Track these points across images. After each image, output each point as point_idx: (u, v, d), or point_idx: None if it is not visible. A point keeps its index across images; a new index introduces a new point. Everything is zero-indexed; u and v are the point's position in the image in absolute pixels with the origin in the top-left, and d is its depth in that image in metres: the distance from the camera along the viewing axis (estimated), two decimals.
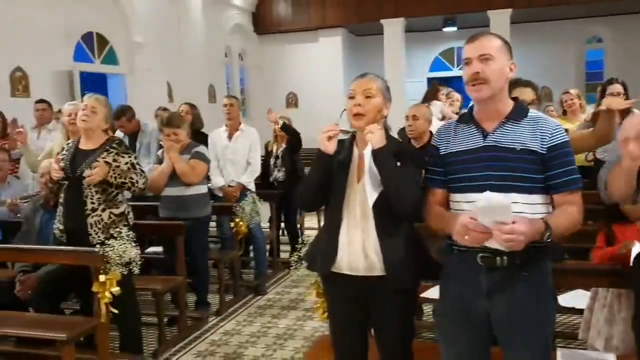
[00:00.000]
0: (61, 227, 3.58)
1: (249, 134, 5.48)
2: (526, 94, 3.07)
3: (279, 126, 5.90)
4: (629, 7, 12.30)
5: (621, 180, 2.05)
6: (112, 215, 3.53)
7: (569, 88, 5.75)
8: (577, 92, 5.57)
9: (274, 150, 6.06)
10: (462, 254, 2.06)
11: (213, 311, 4.78)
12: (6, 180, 4.88)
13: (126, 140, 5.25)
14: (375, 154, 2.20)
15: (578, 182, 2.03)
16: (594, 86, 11.00)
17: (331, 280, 2.37)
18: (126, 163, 3.58)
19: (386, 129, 2.32)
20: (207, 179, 4.96)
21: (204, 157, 4.61)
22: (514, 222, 1.82)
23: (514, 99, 2.17)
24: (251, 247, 5.77)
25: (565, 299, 3.16)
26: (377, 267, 2.25)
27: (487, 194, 1.89)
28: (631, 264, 2.40)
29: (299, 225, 6.84)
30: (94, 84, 8.92)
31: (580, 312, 3.04)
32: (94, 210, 3.48)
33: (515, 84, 3.09)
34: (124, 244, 3.36)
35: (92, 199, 3.48)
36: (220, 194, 5.35)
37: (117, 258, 3.27)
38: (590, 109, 4.86)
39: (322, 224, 7.97)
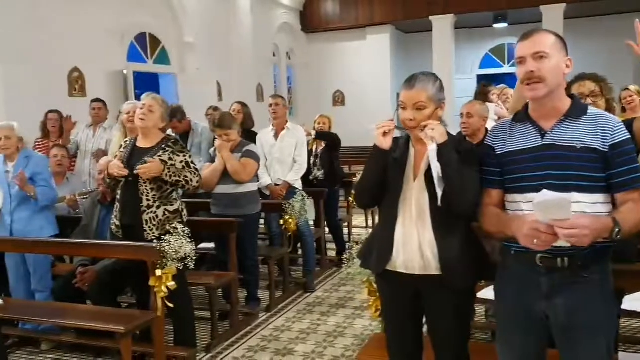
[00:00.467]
0: (118, 222, 3.69)
1: (295, 133, 5.52)
2: (585, 87, 2.99)
3: (313, 137, 5.92)
4: None
5: None
6: (166, 212, 3.62)
7: (628, 84, 5.56)
8: (636, 88, 5.38)
9: (313, 150, 6.08)
10: (520, 255, 2.02)
11: (263, 307, 4.84)
12: (65, 177, 5.06)
13: None
14: (440, 149, 2.16)
15: None
16: None
17: (386, 278, 2.36)
18: (181, 162, 3.66)
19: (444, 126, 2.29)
20: (257, 177, 5.02)
21: (255, 156, 4.67)
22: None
23: (571, 96, 2.11)
24: (299, 245, 5.81)
25: (628, 302, 3.05)
26: (433, 266, 2.23)
27: (545, 190, 1.84)
28: None
29: (346, 224, 6.86)
30: (147, 83, 9.13)
31: None
32: (149, 207, 3.58)
33: (577, 78, 3.02)
34: (180, 239, 3.44)
35: (147, 196, 3.58)
36: (268, 193, 5.40)
37: (173, 253, 3.36)
38: None
39: (369, 222, 8.02)
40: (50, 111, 6.03)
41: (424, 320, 2.40)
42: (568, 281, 1.95)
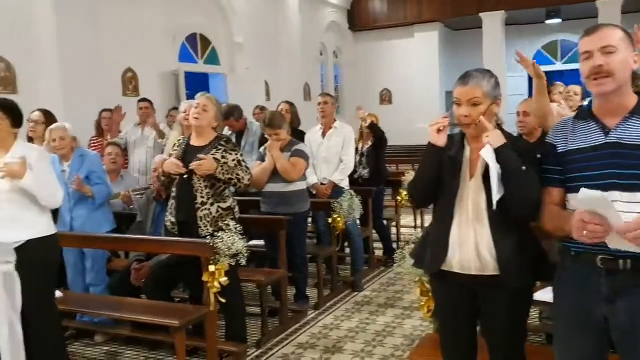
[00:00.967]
0: (172, 219, 3.77)
1: (342, 131, 5.50)
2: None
3: (367, 124, 5.89)
4: None
5: None
6: (219, 209, 3.68)
7: None
8: None
9: (359, 148, 6.05)
10: (580, 256, 1.97)
11: (311, 305, 4.86)
12: (119, 174, 5.20)
13: (233, 138, 5.45)
14: (498, 151, 2.12)
15: None
16: None
17: (440, 278, 2.33)
18: (233, 160, 3.72)
19: (499, 125, 2.25)
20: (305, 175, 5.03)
21: (304, 155, 4.69)
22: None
23: (638, 92, 2.04)
24: (346, 244, 5.81)
25: None
26: (490, 266, 2.19)
27: (583, 189, 1.80)
28: None
29: (394, 224, 6.81)
30: (197, 83, 9.29)
31: None
32: (203, 204, 3.64)
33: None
34: (232, 236, 3.49)
35: (201, 193, 3.65)
36: (314, 192, 5.41)
37: (226, 249, 3.42)
38: None
39: (418, 222, 7.92)
40: (104, 110, 6.22)
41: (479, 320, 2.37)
42: (630, 284, 1.89)
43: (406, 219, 7.81)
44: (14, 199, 3.11)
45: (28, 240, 3.11)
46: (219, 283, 3.42)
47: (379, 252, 6.27)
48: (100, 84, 7.05)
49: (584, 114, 2.06)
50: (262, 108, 6.96)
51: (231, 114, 5.68)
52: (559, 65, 14.03)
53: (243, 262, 3.57)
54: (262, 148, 4.85)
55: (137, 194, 4.98)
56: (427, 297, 2.87)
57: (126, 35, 7.62)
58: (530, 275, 2.25)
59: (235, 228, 3.60)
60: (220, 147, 3.72)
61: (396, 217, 6.87)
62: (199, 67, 9.54)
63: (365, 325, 4.41)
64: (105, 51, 7.20)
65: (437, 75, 13.12)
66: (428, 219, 7.57)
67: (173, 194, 3.80)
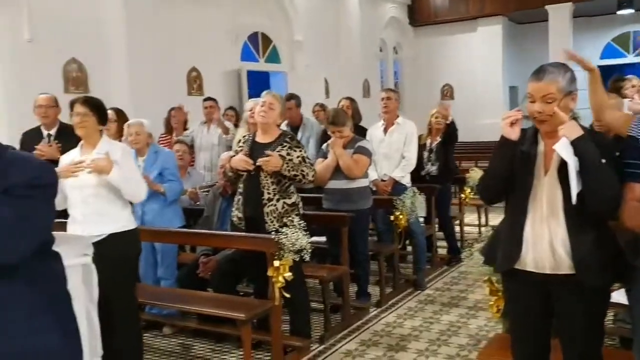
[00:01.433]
0: (240, 215, 3.84)
1: (405, 127, 5.42)
2: None
3: (448, 121, 5.78)
4: None
5: None
6: (285, 205, 3.72)
7: None
8: None
9: (428, 144, 5.95)
10: None
11: (373, 302, 4.84)
12: (186, 171, 5.34)
13: None
14: (576, 143, 2.04)
15: None
16: None
17: (512, 277, 2.27)
18: (298, 157, 3.76)
19: (575, 119, 2.17)
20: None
21: (367, 152, 4.67)
22: None
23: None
24: (407, 242, 5.74)
25: None
26: (565, 265, 2.12)
27: None
28: None
29: (458, 222, 6.69)
30: (259, 82, 9.43)
31: None
32: (269, 200, 3.70)
33: None
34: (296, 232, 3.53)
35: (268, 189, 3.70)
36: (374, 188, 5.37)
37: (290, 245, 3.45)
38: None
39: (482, 220, 7.71)
40: (173, 108, 6.39)
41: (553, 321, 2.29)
42: None
43: (470, 217, 7.67)
44: (100, 193, 3.25)
45: (110, 234, 3.24)
46: (284, 278, 3.46)
47: (441, 251, 6.17)
48: (167, 84, 7.27)
49: None
50: (322, 106, 6.98)
51: (292, 97, 5.77)
52: (630, 58, 13.41)
53: (307, 258, 3.60)
54: (324, 145, 4.86)
55: (204, 191, 5.10)
56: (497, 297, 2.81)
57: (191, 36, 7.81)
58: (608, 274, 2.15)
59: (300, 224, 3.64)
60: (285, 144, 3.77)
61: (460, 215, 6.74)
62: (261, 65, 9.67)
63: (430, 324, 4.36)
64: (171, 51, 7.42)
65: (501, 71, 12.78)
66: (492, 217, 7.47)
67: (240, 190, 3.87)
